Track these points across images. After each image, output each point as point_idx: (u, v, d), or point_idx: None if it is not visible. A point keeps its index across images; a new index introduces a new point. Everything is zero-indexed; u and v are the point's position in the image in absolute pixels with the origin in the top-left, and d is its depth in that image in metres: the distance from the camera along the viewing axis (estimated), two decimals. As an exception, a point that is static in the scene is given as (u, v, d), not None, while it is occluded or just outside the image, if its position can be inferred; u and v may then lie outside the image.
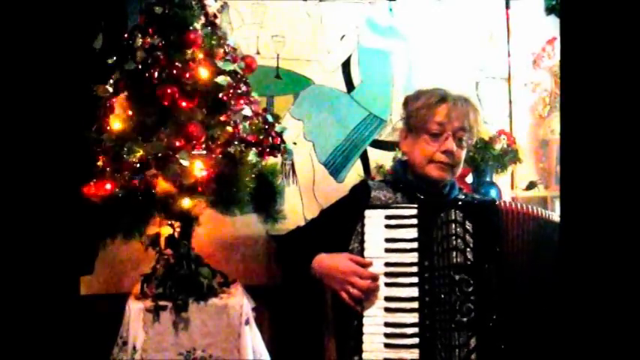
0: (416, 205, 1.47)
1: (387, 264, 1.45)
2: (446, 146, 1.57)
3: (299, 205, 2.40)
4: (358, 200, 1.62)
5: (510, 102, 2.69)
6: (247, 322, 1.73)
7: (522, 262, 1.44)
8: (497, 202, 1.51)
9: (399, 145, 1.72)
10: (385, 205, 1.51)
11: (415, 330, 1.40)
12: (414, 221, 1.45)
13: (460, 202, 1.47)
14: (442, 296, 1.40)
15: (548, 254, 1.42)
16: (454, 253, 1.42)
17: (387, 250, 1.45)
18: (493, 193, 2.43)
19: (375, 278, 1.44)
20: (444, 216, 1.44)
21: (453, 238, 1.43)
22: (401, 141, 1.70)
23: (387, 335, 1.41)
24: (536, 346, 1.37)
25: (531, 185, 2.64)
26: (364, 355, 1.41)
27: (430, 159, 1.59)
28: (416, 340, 1.40)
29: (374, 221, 1.47)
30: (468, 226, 1.43)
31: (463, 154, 1.62)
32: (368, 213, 1.48)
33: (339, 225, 1.56)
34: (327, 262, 1.52)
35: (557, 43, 2.56)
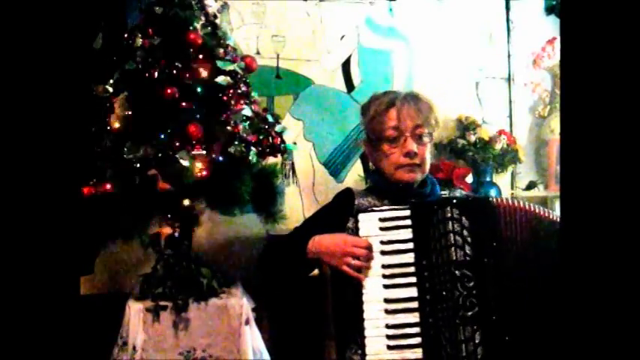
0: (409, 206, 1.48)
1: (384, 266, 1.45)
2: (407, 148, 1.58)
3: (299, 205, 2.40)
4: (342, 206, 1.62)
5: (510, 102, 2.69)
6: (247, 322, 1.73)
7: (519, 255, 1.45)
8: (491, 198, 1.52)
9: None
10: (379, 208, 1.51)
11: (417, 330, 1.40)
12: (409, 222, 1.45)
13: (455, 200, 1.48)
14: (444, 293, 1.40)
15: (544, 246, 1.44)
16: (453, 250, 1.42)
17: (383, 253, 1.45)
18: (493, 193, 2.43)
19: (370, 248, 1.45)
20: (440, 214, 1.45)
21: (451, 234, 1.43)
22: (366, 153, 1.72)
23: (389, 337, 1.41)
24: (540, 337, 1.38)
25: (531, 185, 2.65)
26: (367, 358, 1.41)
27: (396, 165, 1.60)
28: (419, 340, 1.40)
29: (368, 224, 1.47)
30: (465, 222, 1.43)
31: (427, 150, 1.63)
32: (362, 217, 1.48)
33: (323, 231, 1.55)
34: (325, 240, 1.53)
35: (557, 43, 2.56)
